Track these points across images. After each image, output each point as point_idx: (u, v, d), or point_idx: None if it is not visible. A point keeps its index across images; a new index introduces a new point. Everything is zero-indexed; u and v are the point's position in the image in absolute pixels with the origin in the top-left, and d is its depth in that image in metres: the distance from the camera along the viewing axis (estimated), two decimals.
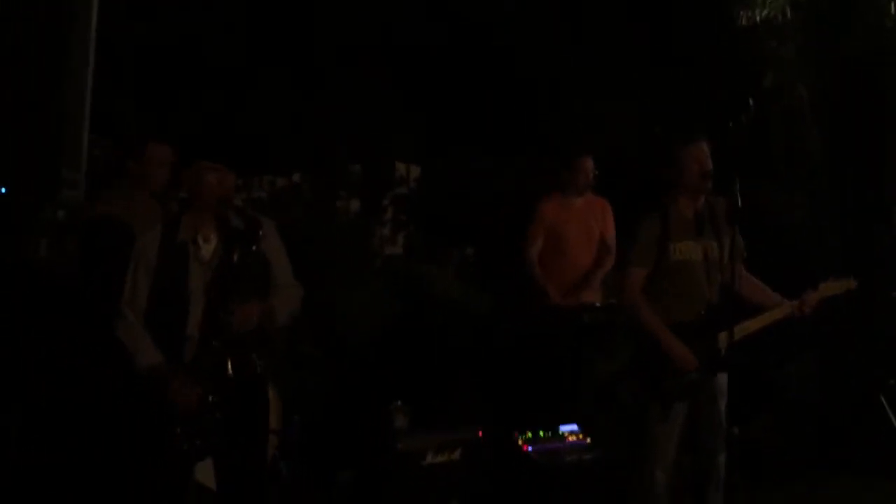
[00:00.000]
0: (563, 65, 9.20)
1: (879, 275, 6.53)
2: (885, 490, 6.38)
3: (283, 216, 7.32)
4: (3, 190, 4.97)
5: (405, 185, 8.86)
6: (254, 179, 7.80)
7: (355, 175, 8.33)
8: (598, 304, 7.21)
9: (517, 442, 6.35)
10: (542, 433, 6.44)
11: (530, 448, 6.33)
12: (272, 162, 8.06)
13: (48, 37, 4.72)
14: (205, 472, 4.68)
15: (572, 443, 6.44)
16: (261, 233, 4.56)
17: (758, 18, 7.53)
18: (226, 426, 4.48)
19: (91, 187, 5.76)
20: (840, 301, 5.48)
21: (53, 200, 5.75)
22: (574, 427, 6.55)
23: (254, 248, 4.54)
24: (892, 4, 7.02)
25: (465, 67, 9.26)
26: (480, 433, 6.22)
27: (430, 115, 9.10)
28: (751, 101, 7.99)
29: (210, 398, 4.40)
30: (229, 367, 4.42)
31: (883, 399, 6.29)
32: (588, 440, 6.48)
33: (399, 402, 6.21)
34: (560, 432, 6.49)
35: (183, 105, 7.78)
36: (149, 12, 7.70)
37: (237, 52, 8.50)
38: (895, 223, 7.02)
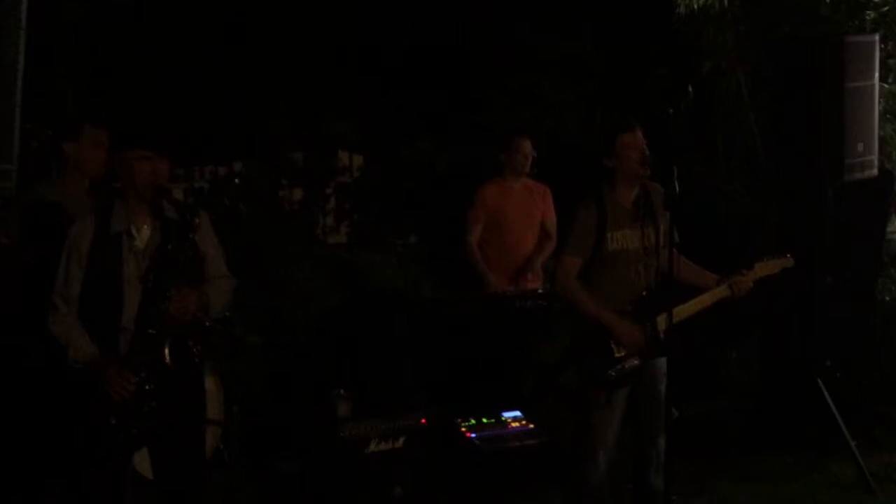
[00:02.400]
0: (504, 46, 9.22)
1: (815, 260, 6.58)
2: (819, 466, 6.47)
3: (225, 206, 7.29)
4: None
5: (348, 174, 8.82)
6: (194, 169, 7.73)
7: (297, 164, 8.28)
8: (539, 291, 7.23)
9: (460, 429, 6.38)
10: (484, 420, 6.47)
11: (473, 435, 6.35)
12: (213, 151, 7.99)
13: None
14: (142, 462, 4.66)
15: (515, 429, 6.47)
16: (196, 223, 4.52)
17: (696, 6, 7.56)
18: (162, 415, 4.43)
19: (28, 178, 5.68)
20: (779, 285, 5.53)
21: None
22: (517, 413, 6.57)
23: (189, 238, 4.50)
24: None
25: (405, 52, 9.25)
26: (424, 420, 6.22)
27: (372, 104, 9.08)
28: (689, 88, 8.04)
29: (146, 387, 4.35)
30: (166, 354, 4.36)
31: (819, 380, 6.35)
32: (531, 426, 6.51)
33: (342, 391, 6.20)
34: (503, 418, 6.52)
35: (118, 91, 7.69)
36: None
37: (176, 35, 8.42)
38: (831, 206, 7.08)
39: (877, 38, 7.02)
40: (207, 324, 4.65)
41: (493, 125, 8.49)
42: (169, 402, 4.43)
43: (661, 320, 5.09)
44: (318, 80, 8.87)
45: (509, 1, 9.11)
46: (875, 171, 7.04)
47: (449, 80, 9.19)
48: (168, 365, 4.36)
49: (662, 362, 5.23)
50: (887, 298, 7.10)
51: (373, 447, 5.98)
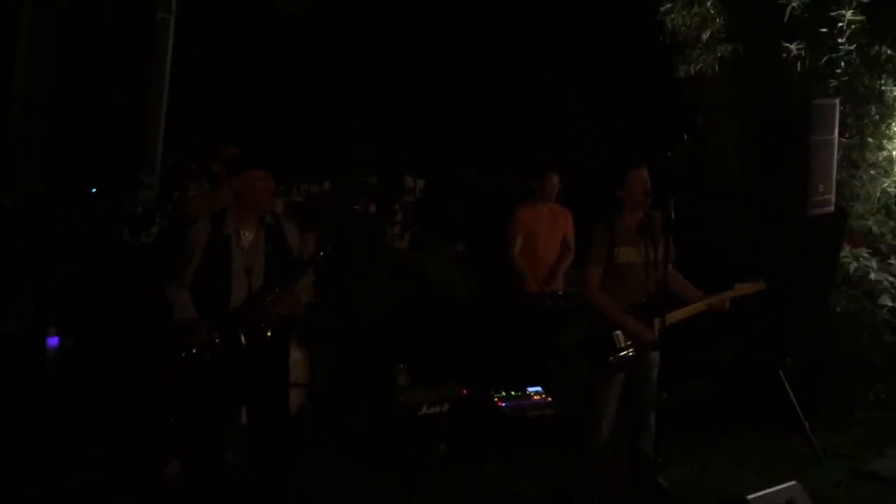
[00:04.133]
0: (540, 100, 9.22)
1: (782, 277, 6.52)
2: (780, 441, 6.42)
3: (316, 216, 7.35)
4: (94, 190, 4.96)
5: (412, 194, 8.85)
6: (292, 186, 7.79)
7: (373, 185, 8.33)
8: (560, 293, 7.23)
9: (493, 399, 6.39)
10: (512, 392, 6.48)
11: (503, 404, 6.36)
12: (308, 172, 8.05)
13: (129, 63, 4.68)
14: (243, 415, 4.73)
15: (537, 401, 6.49)
16: (286, 230, 4.60)
17: (692, 71, 7.51)
18: (256, 379, 4.48)
19: (163, 189, 5.80)
20: (753, 299, 5.50)
21: (133, 199, 5.77)
22: (539, 388, 6.58)
23: (284, 241, 4.57)
24: (798, 63, 7.01)
25: (462, 99, 9.30)
26: (465, 391, 6.24)
27: (433, 139, 9.12)
28: (685, 136, 7.99)
29: (246, 350, 4.41)
30: (242, 338, 4.41)
31: (781, 373, 6.29)
32: (550, 399, 6.51)
33: (402, 365, 6.23)
34: (527, 392, 6.53)
35: (234, 121, 7.76)
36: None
37: (287, 78, 8.50)
38: (796, 235, 7.02)
39: (837, 101, 6.95)
40: (299, 310, 4.69)
41: (528, 159, 8.47)
42: (260, 368, 4.49)
43: (657, 322, 5.07)
44: (391, 117, 8.91)
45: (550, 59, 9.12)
46: (832, 208, 6.99)
47: (496, 120, 9.22)
48: (244, 344, 4.40)
49: (655, 354, 5.23)
50: (838, 310, 7.00)
51: (424, 410, 6.01)
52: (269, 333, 4.48)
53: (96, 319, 5.60)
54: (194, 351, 4.38)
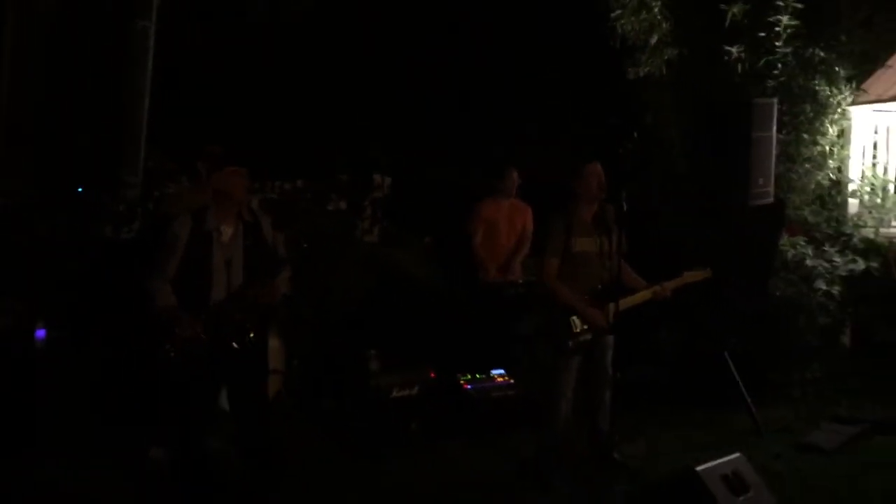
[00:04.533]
0: (501, 101, 9.26)
1: (725, 264, 6.61)
2: (724, 418, 6.50)
3: (289, 212, 7.32)
4: (80, 189, 4.94)
5: (381, 190, 8.85)
6: (266, 183, 7.76)
7: (343, 183, 8.31)
8: (519, 281, 7.29)
9: (459, 381, 6.42)
10: (477, 375, 6.51)
11: (469, 386, 6.40)
12: (281, 170, 8.02)
13: (112, 67, 4.66)
14: (223, 401, 4.73)
15: (500, 383, 6.53)
16: (263, 225, 4.60)
17: (641, 73, 7.60)
18: (238, 367, 4.49)
19: (145, 188, 5.76)
20: (699, 285, 5.59)
21: (116, 197, 5.73)
22: (502, 371, 6.62)
23: (261, 236, 4.57)
24: (739, 65, 7.10)
25: (430, 104, 9.32)
26: (433, 374, 6.27)
27: (400, 139, 9.13)
28: (636, 134, 8.06)
29: (226, 344, 4.41)
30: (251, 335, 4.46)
31: (726, 354, 6.38)
32: (512, 381, 6.56)
33: (373, 351, 6.24)
34: (491, 374, 6.57)
35: (213, 122, 7.70)
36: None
37: (262, 79, 8.47)
38: (738, 225, 7.11)
39: (775, 100, 7.06)
40: (275, 301, 4.69)
41: (490, 157, 8.52)
42: (241, 356, 4.50)
43: (610, 308, 5.14)
44: (360, 119, 8.91)
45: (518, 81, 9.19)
46: (771, 199, 7.10)
47: (460, 122, 9.25)
48: (230, 343, 4.41)
49: (609, 338, 5.30)
50: (777, 294, 7.11)
51: (395, 393, 6.03)
52: (251, 335, 4.49)
53: (84, 313, 5.57)
54: (180, 344, 4.38)
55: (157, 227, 5.14)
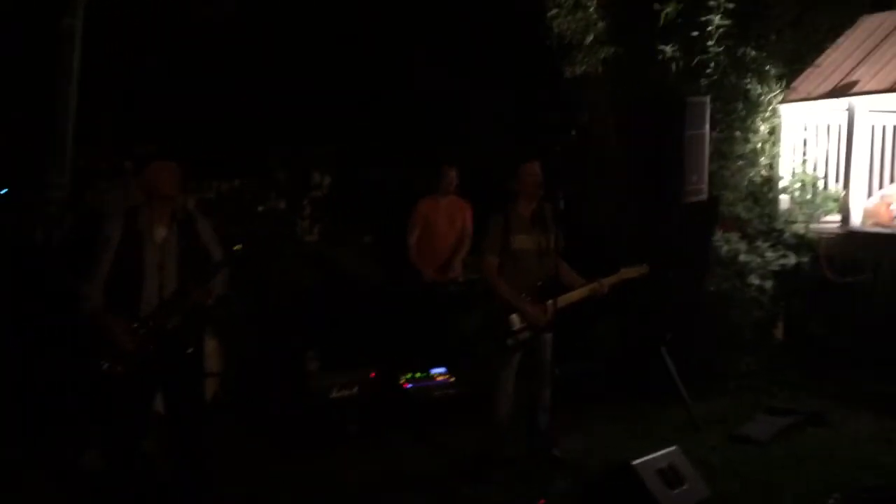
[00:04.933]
0: (441, 101, 9.23)
1: (662, 260, 6.65)
2: (661, 411, 6.53)
3: (227, 212, 7.19)
4: (6, 190, 4.78)
5: (321, 189, 8.75)
6: (204, 183, 7.61)
7: (282, 181, 8.20)
8: (460, 280, 7.25)
9: (399, 381, 6.37)
10: (417, 374, 6.46)
11: (409, 385, 6.35)
12: (218, 170, 7.88)
13: (38, 68, 4.53)
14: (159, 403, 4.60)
15: (440, 381, 6.49)
16: (198, 226, 4.47)
17: (577, 72, 7.62)
18: (169, 367, 4.36)
19: (76, 189, 5.60)
20: (636, 281, 5.60)
21: (44, 198, 5.56)
22: (442, 370, 6.58)
23: (196, 236, 4.44)
24: (674, 65, 7.16)
25: (367, 102, 9.25)
26: (373, 374, 6.21)
27: (339, 138, 9.05)
28: (573, 132, 8.09)
29: (151, 346, 4.28)
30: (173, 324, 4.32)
31: (663, 349, 6.42)
32: (452, 379, 6.52)
33: (312, 352, 6.16)
34: (432, 373, 6.52)
35: (147, 121, 7.54)
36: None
37: (199, 78, 8.32)
38: (673, 221, 7.16)
39: (708, 99, 7.14)
40: (210, 303, 4.56)
41: (429, 156, 8.47)
42: (175, 359, 4.38)
43: (549, 305, 5.13)
44: (299, 118, 8.81)
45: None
46: (705, 196, 7.18)
47: (400, 119, 9.20)
48: (174, 333, 4.28)
49: (549, 335, 5.29)
50: (712, 289, 7.18)
51: (334, 394, 5.96)
52: (188, 345, 4.37)
53: (11, 315, 5.40)
54: (114, 357, 4.24)
55: (88, 227, 4.98)
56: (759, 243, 7.31)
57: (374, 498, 5.11)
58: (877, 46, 7.43)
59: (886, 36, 7.48)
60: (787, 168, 7.61)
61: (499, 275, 5.27)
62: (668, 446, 4.89)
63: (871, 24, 7.75)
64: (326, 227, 8.58)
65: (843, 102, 7.33)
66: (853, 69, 7.34)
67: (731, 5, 7.00)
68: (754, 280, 7.19)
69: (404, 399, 6.27)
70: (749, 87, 7.26)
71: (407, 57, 9.45)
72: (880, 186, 7.72)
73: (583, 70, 7.58)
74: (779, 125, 7.55)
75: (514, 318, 5.22)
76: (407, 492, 5.16)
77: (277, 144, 8.47)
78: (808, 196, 7.58)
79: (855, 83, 7.21)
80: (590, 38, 7.50)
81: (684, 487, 4.67)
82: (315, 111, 9.07)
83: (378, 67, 9.46)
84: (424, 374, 6.49)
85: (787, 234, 7.36)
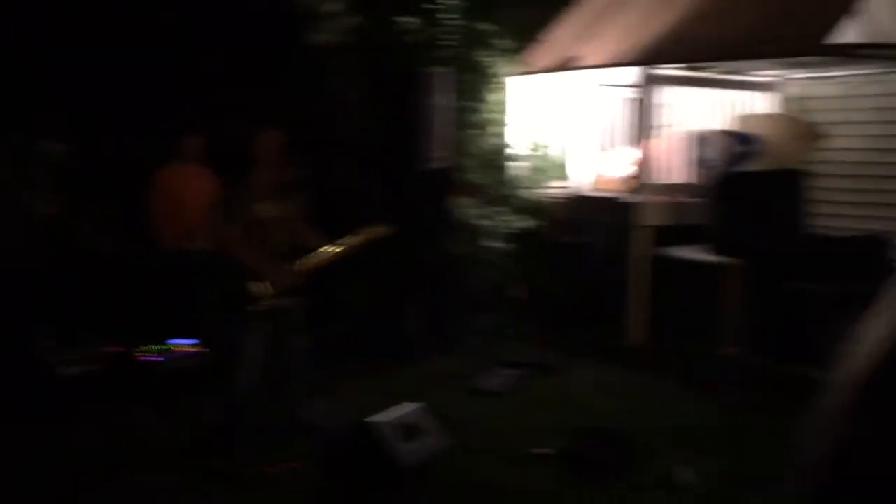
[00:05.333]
0: (184, 72, 8.87)
1: (404, 224, 6.82)
2: (406, 369, 6.75)
3: None
4: None
5: (53, 157, 8.15)
6: None
7: (8, 149, 7.57)
8: (203, 248, 7.05)
9: (136, 354, 6.16)
10: (159, 346, 6.28)
11: (150, 357, 6.16)
12: None
13: None
14: None
15: (180, 353, 6.34)
16: None
17: (321, 41, 7.60)
18: None
19: None
20: (382, 243, 5.71)
21: None
22: (182, 341, 6.41)
23: None
24: (413, 36, 7.32)
25: (107, 69, 8.71)
26: (113, 349, 5.96)
27: (74, 104, 8.47)
28: (321, 100, 8.07)
29: None
30: None
31: (407, 308, 6.60)
32: (193, 350, 6.37)
33: (46, 327, 5.82)
34: (172, 344, 6.36)
35: None
36: None
37: None
38: (417, 187, 7.35)
39: (451, 70, 7.38)
40: None
41: (172, 124, 8.14)
42: None
43: (297, 269, 5.14)
44: (26, 82, 8.15)
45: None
46: (447, 164, 7.45)
47: (141, 87, 8.74)
48: None
49: (298, 300, 5.30)
50: (453, 252, 7.46)
51: (71, 370, 5.66)
52: None
53: None
54: None
55: None
56: (494, 208, 7.68)
57: (116, 466, 4.93)
58: (597, 21, 7.98)
59: (605, 11, 8.02)
60: (519, 137, 8.04)
61: (243, 243, 5.20)
62: (413, 402, 5.06)
63: (594, 1, 8.28)
64: (62, 198, 8.05)
65: (568, 75, 7.84)
66: (575, 44, 7.86)
67: None
68: (492, 243, 7.55)
69: (146, 372, 6.05)
70: (480, 59, 7.58)
71: (148, 23, 8.97)
72: (604, 153, 8.34)
73: (327, 39, 7.57)
74: (507, 96, 7.95)
75: (257, 285, 5.18)
76: (147, 460, 5.03)
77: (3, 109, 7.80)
78: (538, 163, 8.06)
79: (577, 58, 7.72)
80: (335, 7, 7.49)
81: (424, 439, 4.86)
82: (46, 75, 8.43)
83: (117, 30, 8.92)
84: (165, 345, 6.31)
85: (518, 199, 7.79)
